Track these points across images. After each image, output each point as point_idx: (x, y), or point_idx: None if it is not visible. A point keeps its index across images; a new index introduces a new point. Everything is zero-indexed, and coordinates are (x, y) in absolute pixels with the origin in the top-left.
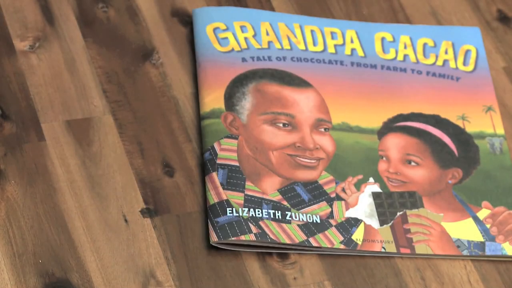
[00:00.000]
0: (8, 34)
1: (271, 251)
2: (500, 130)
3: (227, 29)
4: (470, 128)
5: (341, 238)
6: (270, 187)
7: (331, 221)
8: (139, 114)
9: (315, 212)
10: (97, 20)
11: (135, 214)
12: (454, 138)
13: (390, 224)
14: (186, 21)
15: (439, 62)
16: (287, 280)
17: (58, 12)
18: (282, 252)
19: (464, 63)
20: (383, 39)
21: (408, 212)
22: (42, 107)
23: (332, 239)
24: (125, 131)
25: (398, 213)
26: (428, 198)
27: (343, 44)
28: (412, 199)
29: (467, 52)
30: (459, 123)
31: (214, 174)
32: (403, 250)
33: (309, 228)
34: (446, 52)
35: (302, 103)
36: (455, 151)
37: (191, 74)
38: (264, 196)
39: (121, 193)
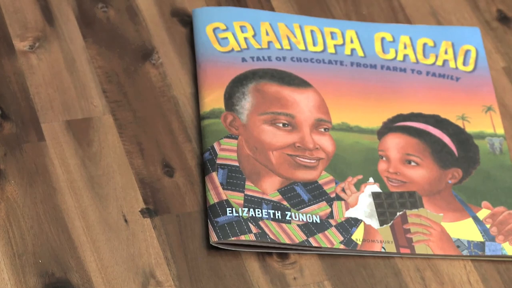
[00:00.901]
0: (8, 34)
1: (271, 251)
2: (500, 130)
3: (227, 29)
4: (470, 128)
5: (341, 238)
6: (270, 187)
7: (331, 221)
8: (139, 114)
9: (315, 212)
10: (97, 20)
11: (135, 214)
12: (454, 138)
13: (390, 224)
14: (186, 21)
15: (439, 62)
16: (287, 280)
17: (58, 12)
18: (282, 252)
19: (464, 63)
20: (383, 39)
21: (408, 212)
22: (42, 107)
23: (332, 239)
24: (125, 131)
25: (398, 213)
26: (428, 198)
27: (343, 44)
28: (412, 199)
29: (467, 52)
30: (459, 123)
31: (214, 174)
32: (403, 250)
33: (309, 228)
34: (446, 52)
35: (302, 103)
36: (455, 151)
37: (191, 74)
38: (264, 196)
39: (121, 193)
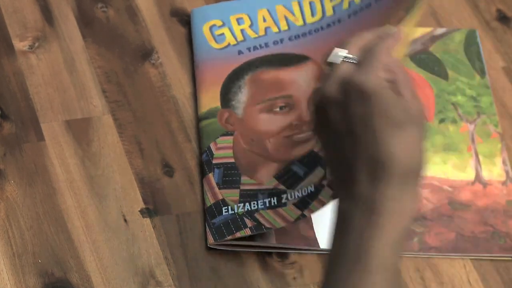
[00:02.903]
0: (8, 34)
1: (271, 251)
2: None
3: (223, 25)
4: None
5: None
6: (266, 176)
7: (325, 182)
8: (138, 114)
9: (311, 182)
10: (97, 20)
11: (135, 214)
12: None
13: None
14: (186, 20)
15: None
16: (287, 280)
17: (57, 12)
18: (282, 252)
19: None
20: None
21: None
22: (42, 107)
23: (324, 200)
24: (125, 131)
25: None
26: None
27: (341, 1)
28: None
29: None
30: None
31: (211, 175)
32: None
33: (304, 202)
34: None
35: (300, 79)
36: None
37: (191, 74)
38: (260, 187)
39: (120, 193)
